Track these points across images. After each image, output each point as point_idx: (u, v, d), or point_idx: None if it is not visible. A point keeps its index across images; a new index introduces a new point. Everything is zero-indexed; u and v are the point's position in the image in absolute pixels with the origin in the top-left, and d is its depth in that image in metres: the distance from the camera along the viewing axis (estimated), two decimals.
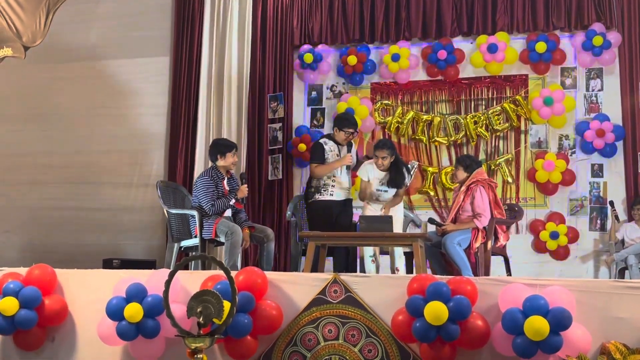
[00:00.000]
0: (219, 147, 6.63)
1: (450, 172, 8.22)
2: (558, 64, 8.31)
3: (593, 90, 8.26)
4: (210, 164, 6.95)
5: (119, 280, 4.81)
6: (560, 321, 4.05)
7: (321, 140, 6.95)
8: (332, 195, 6.76)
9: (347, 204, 6.88)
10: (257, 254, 6.67)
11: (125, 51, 9.01)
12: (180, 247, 6.66)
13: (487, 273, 6.03)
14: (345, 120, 6.93)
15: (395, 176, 6.61)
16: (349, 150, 6.95)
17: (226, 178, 6.62)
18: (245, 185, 6.56)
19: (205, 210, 6.38)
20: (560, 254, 8.03)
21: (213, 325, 3.78)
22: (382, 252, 6.83)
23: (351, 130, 6.83)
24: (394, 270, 6.53)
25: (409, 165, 7.27)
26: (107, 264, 7.57)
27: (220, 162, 6.57)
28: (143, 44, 9.03)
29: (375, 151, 6.66)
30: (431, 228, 6.91)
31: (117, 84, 9.04)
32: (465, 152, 8.33)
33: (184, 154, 8.78)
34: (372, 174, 6.66)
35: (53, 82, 9.14)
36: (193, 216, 6.44)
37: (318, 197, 6.76)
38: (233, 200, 6.48)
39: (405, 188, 6.77)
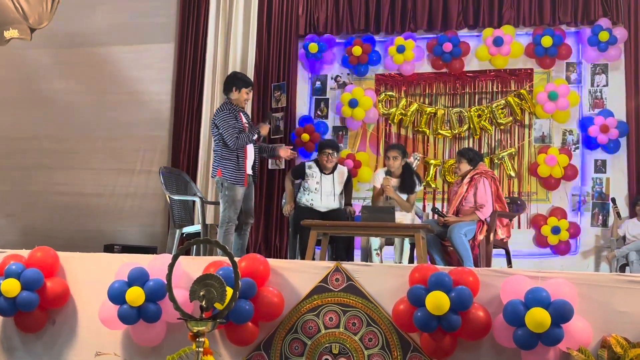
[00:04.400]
0: (236, 81, 6.41)
1: (453, 165, 8.21)
2: (563, 59, 8.29)
3: (598, 86, 8.24)
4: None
5: (121, 264, 4.80)
6: (561, 314, 4.04)
7: (307, 162, 6.97)
8: (311, 203, 6.72)
9: (329, 215, 6.69)
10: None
11: (130, 37, 9.00)
12: (183, 234, 6.65)
13: (488, 265, 6.03)
14: (323, 143, 6.96)
15: (406, 182, 6.65)
16: (335, 180, 6.83)
17: (242, 112, 6.44)
18: (268, 126, 6.41)
19: (229, 144, 6.14)
20: (562, 249, 8.03)
21: (215, 310, 3.78)
22: (387, 243, 6.83)
23: (328, 150, 6.76)
24: (398, 261, 6.55)
25: (412, 157, 7.27)
26: (108, 250, 7.57)
27: (234, 95, 6.34)
28: (148, 31, 9.03)
29: (386, 152, 6.77)
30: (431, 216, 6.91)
31: (121, 70, 9.03)
32: (468, 145, 8.33)
33: (188, 141, 8.79)
34: (384, 181, 6.62)
35: (58, 66, 9.14)
36: (194, 202, 6.41)
37: (302, 198, 6.78)
38: (255, 136, 6.28)
39: (415, 196, 6.77)
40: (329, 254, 6.64)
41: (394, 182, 6.65)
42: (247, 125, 6.41)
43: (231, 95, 6.36)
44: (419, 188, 6.82)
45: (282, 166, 8.62)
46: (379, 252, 6.53)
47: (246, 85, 6.39)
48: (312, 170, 6.82)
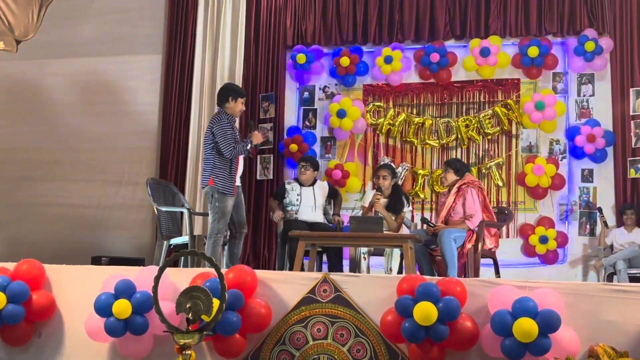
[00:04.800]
0: (232, 91, 6.39)
1: (441, 175, 8.22)
2: (550, 69, 8.34)
3: (584, 96, 8.29)
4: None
5: (108, 277, 4.77)
6: (549, 323, 4.04)
7: (286, 181, 7.22)
8: (295, 217, 6.83)
9: (315, 226, 6.77)
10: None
11: (117, 48, 9.00)
12: (170, 245, 6.62)
13: (476, 275, 6.04)
14: (300, 159, 7.22)
15: (395, 203, 6.76)
16: (316, 192, 6.98)
17: (236, 121, 6.50)
18: (259, 134, 6.43)
19: (225, 153, 6.12)
20: (550, 258, 8.05)
21: (202, 322, 3.76)
22: (374, 254, 6.86)
23: (302, 163, 7.01)
24: (387, 270, 6.58)
25: (401, 167, 7.33)
26: (96, 261, 7.54)
27: (231, 105, 6.32)
28: (136, 42, 9.04)
29: (377, 171, 6.96)
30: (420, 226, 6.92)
31: (108, 80, 9.02)
32: (456, 156, 8.35)
33: (176, 152, 8.78)
34: (373, 196, 6.78)
35: (44, 77, 9.12)
36: (182, 213, 6.40)
37: (286, 214, 6.88)
38: (249, 145, 6.27)
39: (403, 215, 6.84)
40: (317, 264, 6.66)
41: (383, 201, 6.77)
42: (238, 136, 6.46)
43: (227, 105, 6.34)
44: (407, 209, 6.91)
45: (270, 176, 8.62)
46: (365, 256, 6.59)
47: (241, 96, 6.41)
48: (292, 185, 7.03)
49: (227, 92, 6.38)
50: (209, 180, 6.17)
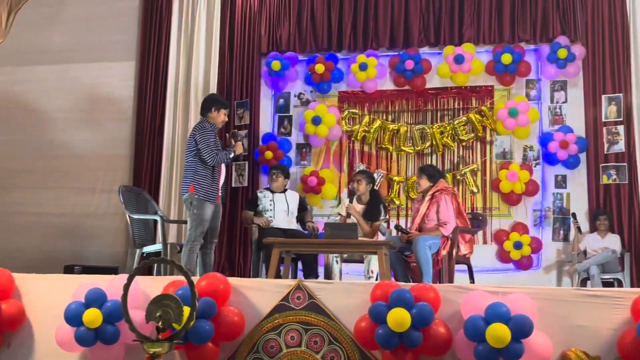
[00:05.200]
0: (216, 102, 6.51)
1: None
2: (523, 76, 8.39)
3: (557, 102, 8.35)
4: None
5: (79, 285, 4.71)
6: (521, 328, 4.05)
7: (258, 191, 7.35)
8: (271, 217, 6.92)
9: (289, 233, 6.82)
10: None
11: (90, 55, 8.93)
12: (143, 253, 6.57)
13: (451, 281, 6.04)
14: (271, 167, 7.40)
15: (371, 209, 6.82)
16: (288, 198, 7.11)
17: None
18: (240, 144, 6.57)
19: (207, 160, 6.20)
20: (524, 264, 8.08)
21: (172, 330, 3.72)
22: (351, 260, 6.87)
23: (273, 171, 7.17)
24: (369, 271, 6.58)
25: (376, 174, 7.36)
26: (69, 270, 7.45)
27: (213, 115, 6.43)
28: (109, 48, 8.97)
29: (353, 176, 7.09)
30: (395, 233, 6.93)
31: (81, 88, 8.95)
32: (431, 162, 8.37)
33: (150, 159, 8.72)
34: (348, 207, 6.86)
35: (15, 85, 9.02)
36: (156, 221, 6.36)
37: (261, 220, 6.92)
38: (232, 154, 6.41)
39: (379, 223, 6.88)
40: (292, 271, 6.65)
41: (359, 208, 6.83)
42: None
43: (210, 115, 6.44)
44: (383, 217, 6.94)
45: (245, 184, 8.58)
46: (338, 260, 6.61)
47: (224, 107, 6.53)
48: (264, 193, 7.15)
49: (210, 102, 6.50)
50: (190, 187, 6.20)
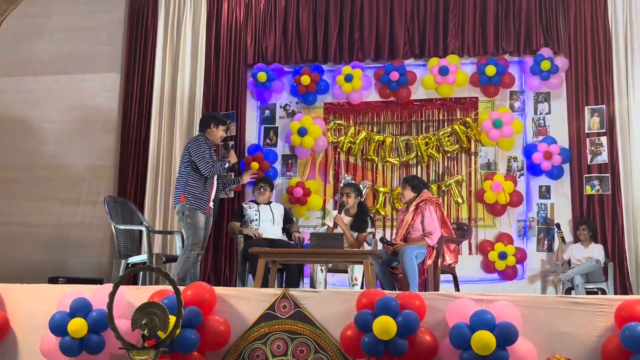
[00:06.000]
0: (215, 118, 6.75)
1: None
2: (507, 87, 8.46)
3: (541, 114, 8.42)
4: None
5: (63, 295, 4.70)
6: (506, 336, 4.08)
7: (243, 203, 7.49)
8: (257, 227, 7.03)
9: (275, 243, 6.89)
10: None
11: (76, 66, 8.93)
12: (128, 264, 6.56)
13: (436, 290, 6.06)
14: (257, 180, 7.47)
15: (359, 222, 6.89)
16: (274, 209, 7.25)
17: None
18: (233, 153, 6.79)
19: (203, 171, 6.39)
20: (509, 274, 8.12)
21: (158, 339, 3.71)
22: (336, 270, 6.89)
23: (261, 184, 7.29)
24: (352, 279, 6.61)
25: (362, 185, 7.40)
26: (53, 282, 7.40)
27: (212, 131, 6.64)
28: (94, 59, 8.97)
29: (341, 190, 7.13)
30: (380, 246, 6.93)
31: (66, 98, 8.93)
32: (417, 173, 8.39)
33: (135, 170, 8.70)
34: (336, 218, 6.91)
35: (0, 96, 8.98)
36: (141, 231, 6.36)
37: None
38: (227, 164, 6.60)
39: (365, 235, 6.92)
40: (278, 282, 6.66)
41: (347, 220, 6.89)
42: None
43: (208, 130, 6.65)
44: (369, 229, 6.98)
45: (231, 195, 8.57)
46: (322, 268, 6.67)
47: (223, 124, 6.77)
48: (249, 204, 7.29)
49: (209, 119, 6.75)
50: (181, 197, 6.36)
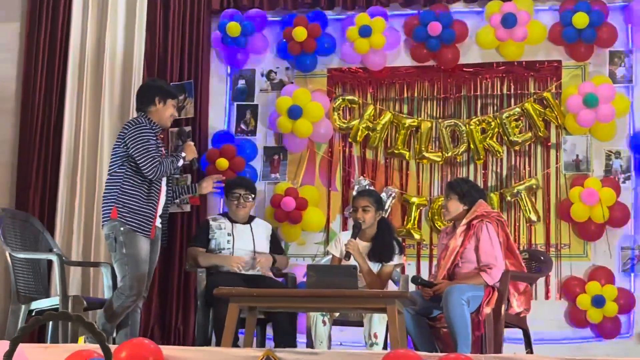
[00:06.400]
0: (162, 90, 6.72)
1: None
2: (605, 46, 8.49)
3: None
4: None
5: None
6: None
7: (209, 217, 7.50)
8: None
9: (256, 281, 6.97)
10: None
11: None
12: (31, 311, 6.60)
13: (498, 351, 6.09)
14: (231, 182, 7.47)
15: (380, 249, 6.90)
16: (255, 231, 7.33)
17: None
18: (192, 145, 6.82)
19: (147, 173, 6.38)
20: (608, 330, 8.14)
21: None
22: (346, 322, 6.93)
23: (240, 191, 7.33)
24: (370, 336, 6.60)
25: (384, 193, 7.42)
26: None
27: (158, 109, 6.65)
28: None
29: (354, 201, 7.12)
30: (413, 287, 6.98)
31: None
32: (467, 176, 8.43)
33: (41, 172, 8.74)
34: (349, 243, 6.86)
35: None
36: (51, 262, 6.40)
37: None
38: (180, 162, 6.63)
39: (391, 269, 6.98)
40: (258, 338, 6.69)
41: (363, 246, 6.90)
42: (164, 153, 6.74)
43: (150, 109, 6.65)
44: (397, 258, 7.04)
45: (187, 209, 8.60)
46: (326, 320, 6.64)
47: (173, 97, 6.78)
48: (219, 221, 7.28)
49: (153, 92, 6.72)
50: (112, 211, 6.35)
